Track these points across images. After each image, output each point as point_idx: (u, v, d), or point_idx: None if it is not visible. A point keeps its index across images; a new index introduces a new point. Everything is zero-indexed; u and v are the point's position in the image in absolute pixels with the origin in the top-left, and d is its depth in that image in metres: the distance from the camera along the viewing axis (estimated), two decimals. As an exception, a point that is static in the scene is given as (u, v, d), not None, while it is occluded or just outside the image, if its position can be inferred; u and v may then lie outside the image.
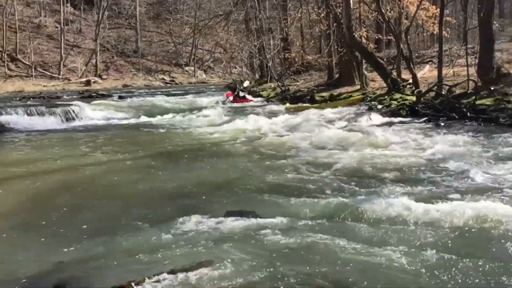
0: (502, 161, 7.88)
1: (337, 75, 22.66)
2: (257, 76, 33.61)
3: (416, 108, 14.60)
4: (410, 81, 17.35)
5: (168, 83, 45.87)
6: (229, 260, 4.15)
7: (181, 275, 3.89)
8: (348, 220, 5.23)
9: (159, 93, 29.77)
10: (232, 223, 5.12)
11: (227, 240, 4.67)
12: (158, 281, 3.80)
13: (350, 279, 3.84)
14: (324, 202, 5.92)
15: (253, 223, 5.14)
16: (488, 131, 11.02)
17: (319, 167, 7.95)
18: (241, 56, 36.37)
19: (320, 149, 9.59)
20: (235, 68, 44.02)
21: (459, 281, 3.80)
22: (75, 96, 26.72)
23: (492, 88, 14.06)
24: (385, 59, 21.56)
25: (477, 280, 3.81)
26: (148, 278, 3.82)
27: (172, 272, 3.94)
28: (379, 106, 16.02)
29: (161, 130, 14.19)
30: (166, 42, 53.40)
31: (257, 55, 29.88)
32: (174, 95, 27.26)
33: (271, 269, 4.02)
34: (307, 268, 4.05)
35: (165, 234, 4.93)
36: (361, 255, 4.26)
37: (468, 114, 13.00)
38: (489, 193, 5.98)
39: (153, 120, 17.03)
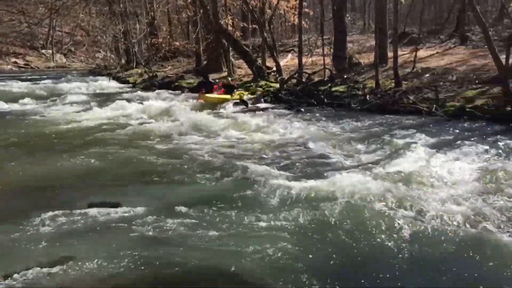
0: (354, 141, 8.77)
1: (205, 62, 22.79)
2: (123, 61, 32.28)
3: (280, 94, 15.37)
4: (274, 68, 18.20)
5: (22, 67, 41.66)
6: (91, 254, 4.00)
7: (36, 273, 3.65)
8: (216, 205, 5.36)
9: (12, 78, 26.93)
10: (95, 215, 4.92)
11: (90, 233, 4.49)
12: (10, 280, 3.52)
13: (222, 265, 3.93)
14: (193, 187, 6.00)
15: (117, 213, 5.00)
16: (342, 116, 12.07)
17: (186, 153, 7.99)
18: (105, 40, 34.59)
19: (188, 135, 9.63)
20: (99, 52, 41.71)
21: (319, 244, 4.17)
22: None
23: (345, 76, 15.40)
24: (250, 47, 22.23)
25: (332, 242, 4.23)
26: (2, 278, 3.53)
27: (28, 269, 3.68)
28: (245, 93, 16.52)
29: (16, 118, 12.92)
30: (18, 22, 48.39)
31: (122, 40, 28.66)
32: (29, 80, 24.91)
33: (137, 261, 3.96)
34: (173, 257, 4.07)
35: (22, 231, 4.56)
36: (230, 239, 4.41)
37: (325, 100, 14.07)
38: (345, 169, 6.63)
39: (6, 108, 15.40)
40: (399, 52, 14.67)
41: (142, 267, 3.86)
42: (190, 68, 23.76)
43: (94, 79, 26.54)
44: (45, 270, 3.75)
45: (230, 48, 20.10)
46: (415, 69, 14.44)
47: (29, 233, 4.54)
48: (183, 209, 5.14)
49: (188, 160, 7.58)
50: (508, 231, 4.55)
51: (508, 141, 8.10)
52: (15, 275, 3.63)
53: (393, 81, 13.59)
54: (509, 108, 10.12)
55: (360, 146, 8.38)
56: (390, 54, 15.31)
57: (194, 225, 4.67)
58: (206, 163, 7.33)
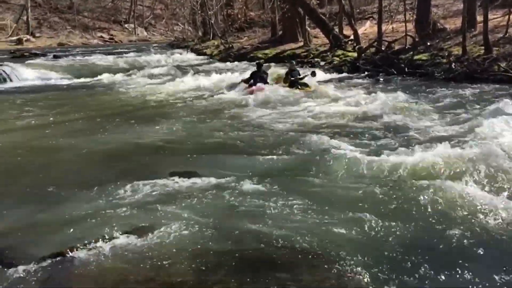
0: (437, 113, 8.28)
1: (280, 32, 22.53)
2: (200, 33, 32.82)
3: (358, 64, 14.88)
4: (352, 37, 17.58)
5: (107, 41, 43.85)
6: (172, 223, 4.12)
7: (120, 240, 3.84)
8: (295, 177, 5.32)
9: (98, 51, 28.40)
10: (173, 185, 5.07)
11: (170, 202, 4.62)
12: (96, 247, 3.73)
13: (299, 238, 3.87)
14: (270, 159, 5.98)
15: (197, 183, 5.11)
16: (424, 85, 11.47)
17: (262, 126, 7.99)
18: (183, 12, 35.24)
19: (263, 108, 9.61)
20: (178, 25, 42.67)
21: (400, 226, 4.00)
22: (5, 56, 25.04)
23: (428, 44, 14.51)
24: (327, 16, 21.63)
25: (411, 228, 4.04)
26: (86, 245, 3.75)
27: (112, 238, 3.88)
28: (322, 63, 16.18)
29: (100, 90, 13.66)
30: (103, -2, 50.71)
31: (199, 12, 29.05)
32: (113, 54, 26.14)
33: (218, 230, 4.03)
34: (254, 227, 4.08)
35: (105, 199, 4.82)
36: (309, 213, 4.34)
37: (406, 69, 13.43)
38: (427, 143, 6.23)
39: (92, 80, 16.30)
40: (490, 16, 13.50)
41: (225, 237, 3.92)
42: (266, 38, 23.63)
43: (173, 51, 27.32)
44: (125, 237, 3.92)
45: (306, 17, 19.65)
46: (507, 34, 13.24)
47: (115, 200, 4.77)
48: (259, 179, 5.14)
49: (263, 131, 7.59)
50: None
51: None
52: (100, 242, 3.83)
53: (482, 47, 12.61)
54: None
55: (442, 119, 7.89)
56: (479, 19, 14.16)
57: (268, 197, 4.66)
58: (281, 135, 7.30)
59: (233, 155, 6.36)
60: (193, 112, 9.50)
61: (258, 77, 11.82)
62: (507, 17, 13.67)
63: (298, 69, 12.67)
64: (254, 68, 12.49)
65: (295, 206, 4.46)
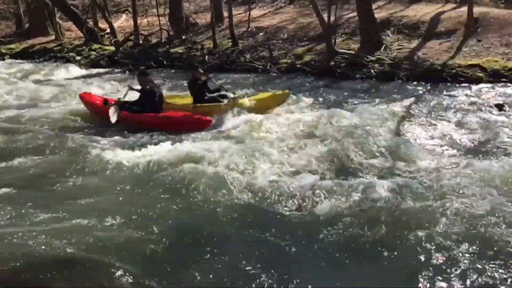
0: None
1: (27, 25, 20.36)
2: None
3: (116, 58, 14.63)
4: (108, 30, 17.12)
5: None
6: None
7: None
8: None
9: None
10: None
11: None
12: None
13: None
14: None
15: None
16: (181, 76, 11.95)
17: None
18: None
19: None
20: None
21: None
22: None
23: (183, 37, 15.20)
24: (80, 8, 20.47)
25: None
26: None
27: None
28: (78, 58, 15.35)
29: None
30: None
31: None
32: None
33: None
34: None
35: None
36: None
37: (164, 62, 13.81)
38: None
39: None
40: (234, 12, 14.92)
41: None
42: (10, 32, 21.05)
43: None
44: None
45: (56, 9, 18.24)
46: (249, 29, 14.85)
47: None
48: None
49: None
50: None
51: (333, 91, 8.99)
52: None
53: (230, 40, 13.83)
54: (332, 63, 11.06)
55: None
56: (226, 14, 15.47)
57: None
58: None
59: None
60: None
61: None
62: (248, 13, 15.29)
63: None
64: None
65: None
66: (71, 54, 15.74)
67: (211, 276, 3.33)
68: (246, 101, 7.39)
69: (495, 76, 9.27)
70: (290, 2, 18.03)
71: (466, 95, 8.42)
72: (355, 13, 12.30)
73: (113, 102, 7.36)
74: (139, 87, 7.51)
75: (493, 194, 4.36)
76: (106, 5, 17.73)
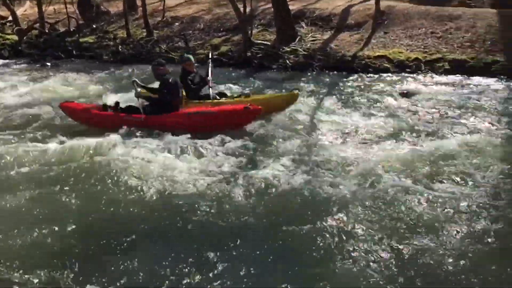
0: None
1: None
2: None
3: (20, 48, 13.67)
4: (10, 18, 15.90)
5: None
6: None
7: None
8: None
9: None
10: None
11: None
12: None
13: None
14: None
15: None
16: (93, 68, 11.43)
17: None
18: None
19: None
20: None
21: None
22: None
23: (94, 26, 14.50)
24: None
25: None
26: None
27: None
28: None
29: None
30: None
31: None
32: None
33: None
34: None
35: None
36: None
37: (74, 52, 13.13)
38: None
39: None
40: (148, 1, 14.45)
41: None
42: None
43: None
44: None
45: None
46: (165, 18, 14.47)
47: None
48: None
49: None
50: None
51: (250, 82, 9.11)
52: None
53: (144, 30, 13.40)
54: (249, 54, 11.11)
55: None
56: (139, 3, 14.94)
57: None
58: None
59: None
60: None
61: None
62: (162, 2, 14.87)
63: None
64: None
65: None
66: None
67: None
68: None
69: (400, 67, 9.82)
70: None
71: (375, 84, 8.84)
72: (270, 5, 12.40)
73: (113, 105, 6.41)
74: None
75: (400, 176, 4.65)
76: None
